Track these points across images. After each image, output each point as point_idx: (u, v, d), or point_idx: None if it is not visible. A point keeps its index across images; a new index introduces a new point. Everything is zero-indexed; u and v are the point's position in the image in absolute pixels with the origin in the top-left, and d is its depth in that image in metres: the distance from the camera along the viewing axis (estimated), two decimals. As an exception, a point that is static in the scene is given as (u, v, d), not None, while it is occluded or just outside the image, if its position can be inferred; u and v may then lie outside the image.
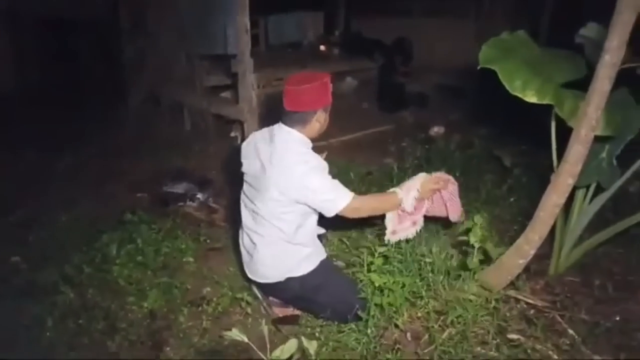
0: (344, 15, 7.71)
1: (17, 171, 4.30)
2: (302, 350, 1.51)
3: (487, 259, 2.27)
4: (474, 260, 2.15)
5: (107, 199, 3.73)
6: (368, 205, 2.19)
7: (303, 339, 1.67)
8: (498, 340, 2.04)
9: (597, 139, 2.02)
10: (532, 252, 2.15)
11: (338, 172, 2.34)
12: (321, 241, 2.44)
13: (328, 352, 2.09)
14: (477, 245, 2.11)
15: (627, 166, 2.31)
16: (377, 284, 2.12)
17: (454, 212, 2.37)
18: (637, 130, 2.18)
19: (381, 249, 2.28)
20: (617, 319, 2.24)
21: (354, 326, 2.18)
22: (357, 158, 4.24)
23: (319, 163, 2.09)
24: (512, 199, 3.41)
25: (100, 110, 5.71)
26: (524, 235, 2.18)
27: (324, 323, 2.28)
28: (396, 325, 2.14)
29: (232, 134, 4.98)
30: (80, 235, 3.10)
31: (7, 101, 6.24)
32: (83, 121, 5.51)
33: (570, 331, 2.14)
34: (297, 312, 2.37)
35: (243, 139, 4.60)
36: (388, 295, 2.13)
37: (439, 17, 6.59)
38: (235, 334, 1.62)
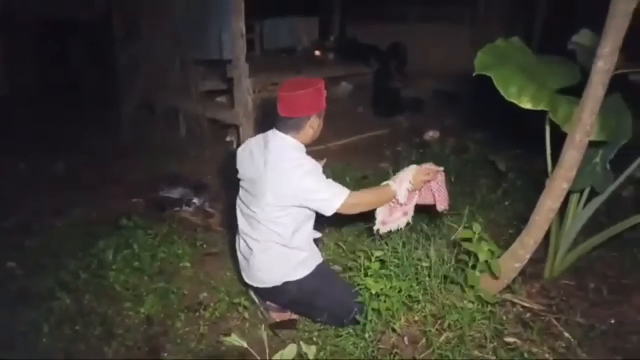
0: (339, 20, 7.75)
1: (10, 176, 4.28)
2: (300, 354, 1.51)
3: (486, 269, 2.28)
4: (476, 273, 2.16)
5: (103, 204, 3.72)
6: (364, 200, 2.22)
7: (302, 343, 1.68)
8: (495, 343, 2.05)
9: (591, 144, 2.04)
10: (528, 256, 2.16)
11: (334, 176, 2.38)
12: (317, 245, 2.45)
13: (326, 357, 2.09)
14: (482, 261, 2.12)
15: (620, 171, 2.34)
16: (373, 291, 2.13)
17: (442, 201, 2.44)
18: (630, 135, 2.21)
19: (378, 253, 2.29)
20: (612, 322, 2.26)
21: (351, 330, 2.18)
22: (353, 162, 4.26)
23: (313, 165, 2.12)
24: (506, 203, 3.44)
25: (94, 115, 5.70)
26: (519, 240, 2.20)
27: (322, 327, 2.28)
28: (393, 330, 2.14)
29: (228, 139, 4.99)
30: (76, 240, 3.10)
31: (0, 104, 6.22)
32: (77, 126, 5.50)
33: (566, 334, 2.15)
34: (295, 316, 2.38)
35: (239, 144, 4.64)
36: (385, 300, 2.14)
37: (434, 22, 6.65)
38: (235, 339, 1.62)
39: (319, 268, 2.27)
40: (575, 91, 2.12)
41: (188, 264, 2.88)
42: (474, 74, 2.06)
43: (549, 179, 2.10)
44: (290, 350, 1.55)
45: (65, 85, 7.13)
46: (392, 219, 2.40)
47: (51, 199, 3.78)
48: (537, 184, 2.55)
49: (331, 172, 3.10)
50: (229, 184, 3.83)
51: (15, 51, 6.93)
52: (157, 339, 2.33)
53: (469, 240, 2.20)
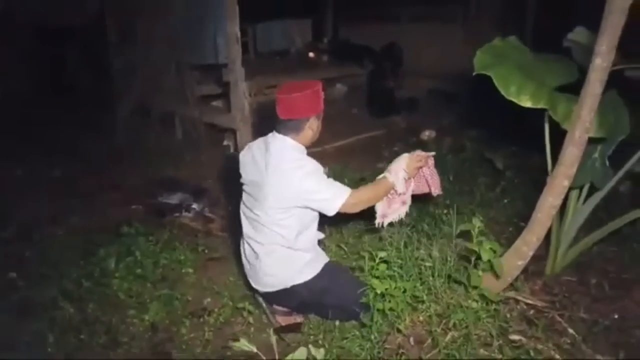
0: (332, 22, 7.76)
1: (7, 182, 4.26)
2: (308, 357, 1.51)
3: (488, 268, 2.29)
4: (478, 273, 2.17)
5: (102, 212, 3.71)
6: (365, 196, 2.24)
7: (310, 346, 1.69)
8: (500, 341, 2.06)
9: (589, 141, 2.06)
10: (531, 253, 2.18)
11: (333, 178, 2.41)
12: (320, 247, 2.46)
13: (332, 359, 2.10)
14: (485, 260, 2.13)
15: (617, 167, 2.37)
16: (379, 291, 2.14)
17: (435, 186, 2.49)
18: (628, 131, 2.24)
19: (382, 254, 2.30)
20: (616, 317, 2.28)
21: (357, 332, 2.19)
22: (351, 163, 4.27)
23: (314, 166, 2.14)
24: (505, 201, 3.46)
25: (89, 119, 5.68)
26: (521, 237, 2.21)
27: (327, 330, 2.29)
28: (399, 330, 2.15)
29: (225, 143, 4.98)
30: (77, 249, 3.08)
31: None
32: (73, 130, 5.49)
33: (571, 330, 2.17)
34: (300, 320, 2.38)
35: (236, 148, 4.65)
36: (389, 301, 2.15)
37: (427, 22, 6.67)
38: (244, 344, 1.64)
39: (326, 267, 2.29)
40: (573, 88, 2.15)
41: (191, 270, 2.87)
42: (474, 73, 2.08)
43: (550, 176, 2.12)
44: (301, 353, 1.57)
45: (61, 89, 7.11)
46: (391, 210, 2.45)
47: (49, 207, 3.76)
48: (535, 181, 2.58)
49: (330, 173, 3.11)
50: (228, 188, 3.85)
51: (10, 56, 6.89)
52: (163, 346, 2.32)
53: (470, 236, 2.22)
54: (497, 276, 2.17)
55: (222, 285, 2.72)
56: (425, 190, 2.50)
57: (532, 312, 2.31)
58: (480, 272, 2.15)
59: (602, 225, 2.50)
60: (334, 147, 4.82)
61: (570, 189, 2.35)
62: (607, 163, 2.30)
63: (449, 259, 2.40)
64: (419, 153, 2.40)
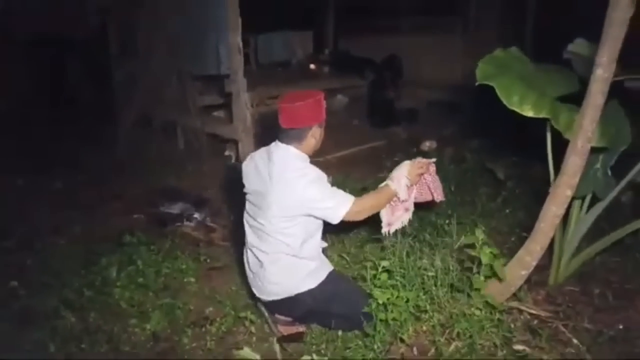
0: (333, 34, 7.82)
1: (9, 193, 4.26)
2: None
3: (490, 274, 2.29)
4: (480, 278, 2.17)
5: (103, 221, 3.70)
6: (368, 204, 2.25)
7: (314, 355, 1.69)
8: (505, 351, 2.06)
9: (591, 151, 2.07)
10: (534, 263, 2.18)
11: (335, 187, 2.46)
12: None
13: (336, 369, 2.09)
14: (485, 263, 2.14)
15: (619, 177, 2.38)
16: (381, 301, 2.14)
17: (438, 192, 2.50)
18: (630, 140, 2.25)
19: (384, 263, 2.30)
20: (620, 327, 2.27)
21: (360, 342, 2.18)
22: (352, 173, 4.28)
23: (318, 174, 2.14)
24: (507, 211, 3.46)
25: (91, 130, 5.70)
26: (525, 247, 2.22)
27: (329, 340, 2.27)
28: (402, 340, 2.14)
29: (227, 153, 4.99)
30: (79, 258, 3.07)
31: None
32: (74, 141, 5.50)
33: (575, 340, 2.16)
34: (302, 329, 2.37)
35: (237, 158, 4.66)
36: (392, 310, 2.15)
37: (426, 33, 6.72)
38: (248, 353, 1.63)
39: (330, 275, 2.28)
40: (573, 99, 2.17)
41: (193, 279, 2.86)
42: (476, 84, 2.09)
43: (553, 185, 2.13)
44: (305, 360, 1.57)
45: (63, 101, 7.14)
46: (395, 217, 2.47)
47: (51, 217, 3.76)
48: (536, 191, 2.59)
49: (332, 184, 3.12)
50: (230, 198, 3.86)
51: (11, 68, 6.92)
52: (164, 355, 2.31)
53: (472, 246, 2.22)
54: (500, 285, 2.17)
55: (224, 294, 2.71)
56: (429, 197, 2.51)
57: (535, 322, 2.31)
58: (482, 278, 2.15)
59: (605, 235, 2.51)
60: (336, 157, 4.83)
61: (573, 198, 2.36)
62: (610, 173, 2.31)
63: (451, 268, 2.40)
64: (420, 160, 2.42)
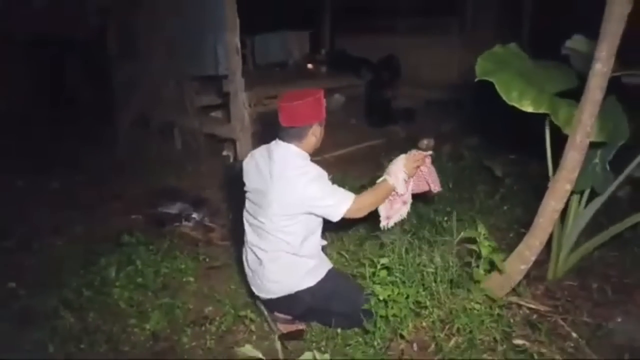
0: (330, 34, 7.82)
1: (8, 193, 4.25)
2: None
3: (489, 267, 2.30)
4: (480, 271, 2.18)
5: (102, 221, 3.70)
6: (368, 201, 2.25)
7: (315, 352, 1.69)
8: (504, 346, 2.06)
9: (590, 146, 2.08)
10: (533, 257, 2.19)
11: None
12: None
13: (336, 365, 2.09)
14: (484, 255, 2.14)
15: (617, 172, 2.39)
16: (381, 297, 2.14)
17: (435, 183, 2.51)
18: (628, 135, 2.26)
19: (383, 260, 2.30)
20: (619, 320, 2.28)
21: (360, 339, 2.19)
22: (351, 172, 4.28)
23: (318, 172, 2.15)
24: (505, 207, 3.47)
25: (90, 131, 5.69)
26: (524, 242, 2.22)
27: (330, 337, 2.28)
28: (402, 336, 2.14)
29: (224, 153, 4.99)
30: (78, 258, 3.06)
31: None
32: (73, 142, 5.49)
33: (574, 334, 2.17)
34: (302, 327, 2.37)
35: (235, 158, 4.66)
36: (392, 307, 2.15)
37: (423, 33, 6.73)
38: (249, 350, 1.63)
39: (330, 273, 2.29)
40: (571, 95, 2.18)
41: (192, 279, 2.86)
42: (476, 79, 2.10)
43: (552, 180, 2.13)
44: (307, 357, 1.57)
45: (62, 101, 7.13)
46: (393, 211, 2.46)
47: (50, 217, 3.75)
48: (534, 188, 2.59)
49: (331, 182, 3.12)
50: (228, 198, 3.85)
51: (11, 69, 6.90)
52: (164, 355, 2.30)
53: (472, 241, 2.23)
54: (500, 280, 2.17)
55: (223, 293, 2.71)
56: (425, 188, 2.52)
57: (535, 316, 2.31)
58: (482, 270, 2.16)
59: (603, 229, 2.52)
60: (334, 156, 4.83)
61: (572, 193, 2.37)
62: (608, 168, 2.32)
63: (451, 264, 2.41)
64: (415, 152, 2.42)
